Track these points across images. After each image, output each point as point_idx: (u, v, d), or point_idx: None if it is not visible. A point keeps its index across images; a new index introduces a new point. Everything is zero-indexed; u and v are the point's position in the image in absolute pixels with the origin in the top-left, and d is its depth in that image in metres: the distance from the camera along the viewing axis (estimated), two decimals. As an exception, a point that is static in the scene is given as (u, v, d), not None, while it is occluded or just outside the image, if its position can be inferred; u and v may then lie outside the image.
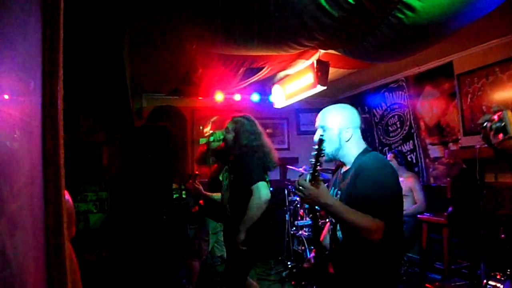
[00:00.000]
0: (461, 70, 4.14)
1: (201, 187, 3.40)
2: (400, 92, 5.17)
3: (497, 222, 3.25)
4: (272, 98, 4.98)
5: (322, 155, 1.62)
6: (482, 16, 2.33)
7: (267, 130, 6.13)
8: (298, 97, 4.30)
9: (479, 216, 3.28)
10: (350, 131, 1.75)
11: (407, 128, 5.08)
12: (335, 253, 1.77)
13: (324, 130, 1.77)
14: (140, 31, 3.05)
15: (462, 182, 3.79)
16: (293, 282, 4.28)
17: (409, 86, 4.99)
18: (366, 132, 5.78)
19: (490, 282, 2.66)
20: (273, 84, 4.75)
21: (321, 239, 1.86)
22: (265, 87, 5.08)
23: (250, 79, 4.32)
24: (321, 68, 3.58)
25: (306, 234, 4.48)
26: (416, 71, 4.79)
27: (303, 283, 4.05)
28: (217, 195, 3.19)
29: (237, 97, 5.60)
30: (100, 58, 2.59)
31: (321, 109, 1.87)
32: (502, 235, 2.85)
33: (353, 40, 2.67)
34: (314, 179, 1.61)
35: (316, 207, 1.70)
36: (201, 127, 2.95)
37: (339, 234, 1.75)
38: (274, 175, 2.83)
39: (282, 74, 4.44)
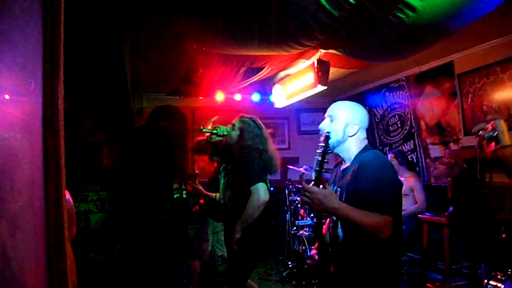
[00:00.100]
0: (462, 70, 4.13)
1: (200, 187, 3.40)
2: (400, 92, 5.16)
3: (498, 222, 3.24)
4: (272, 98, 4.98)
5: (328, 151, 1.61)
6: (482, 16, 2.33)
7: (268, 130, 6.12)
8: (299, 97, 4.30)
9: (480, 216, 3.28)
10: (356, 128, 1.76)
11: (407, 127, 5.08)
12: (335, 250, 1.77)
13: (331, 120, 1.77)
14: (140, 31, 3.05)
15: (463, 182, 3.79)
16: (293, 282, 4.28)
17: (409, 86, 4.98)
18: (367, 132, 5.75)
19: (491, 282, 2.66)
20: (274, 84, 4.75)
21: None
22: (265, 87, 5.08)
23: (250, 79, 4.32)
24: (322, 67, 3.58)
25: (307, 234, 4.47)
26: (416, 70, 4.79)
27: (303, 282, 4.05)
28: (217, 195, 3.19)
29: (238, 97, 5.59)
30: (101, 58, 2.60)
31: (321, 109, 1.88)
32: (503, 235, 2.85)
33: (354, 39, 2.67)
34: (319, 181, 1.60)
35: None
36: (201, 127, 2.93)
37: (339, 231, 1.74)
38: (275, 175, 2.82)
39: (282, 74, 4.44)
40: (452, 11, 2.17)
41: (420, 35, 2.46)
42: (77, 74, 2.64)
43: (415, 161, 4.92)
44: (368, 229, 1.54)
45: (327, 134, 1.62)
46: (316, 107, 6.35)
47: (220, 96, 5.27)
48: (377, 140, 5.69)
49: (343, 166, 1.83)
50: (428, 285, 3.43)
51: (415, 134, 4.93)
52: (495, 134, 1.28)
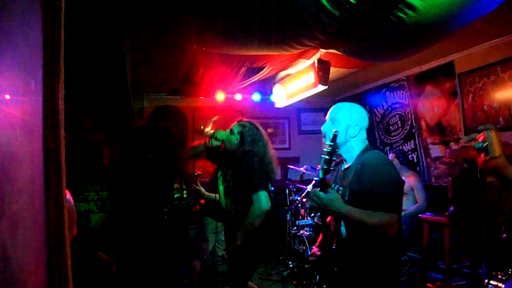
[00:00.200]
0: (462, 70, 4.13)
1: (201, 188, 3.38)
2: (401, 92, 5.16)
3: (498, 222, 3.24)
4: (273, 97, 4.98)
5: (337, 149, 1.61)
6: (482, 16, 2.33)
7: (268, 130, 6.14)
8: (299, 96, 4.30)
9: (480, 216, 3.28)
10: (357, 129, 1.79)
11: (408, 127, 5.07)
12: (338, 247, 1.79)
13: (333, 123, 1.80)
14: (141, 31, 3.05)
15: (463, 182, 3.79)
16: (294, 282, 4.28)
17: (410, 86, 4.98)
18: (367, 132, 5.75)
19: (491, 282, 2.65)
20: (274, 83, 4.75)
21: (321, 235, 1.87)
22: (266, 86, 5.08)
23: (251, 78, 4.32)
24: (322, 67, 3.58)
25: (307, 233, 4.47)
26: (417, 70, 4.79)
27: (304, 282, 4.05)
28: (217, 196, 3.17)
29: (238, 96, 5.60)
30: (101, 58, 2.60)
31: (322, 109, 1.89)
32: (504, 235, 2.84)
33: (354, 39, 2.66)
34: (325, 182, 1.61)
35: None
36: (202, 127, 2.91)
37: (342, 229, 1.76)
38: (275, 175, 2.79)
39: (283, 73, 4.44)
40: (452, 11, 2.16)
41: (420, 35, 2.46)
42: (77, 74, 2.64)
43: (415, 160, 4.92)
44: (376, 228, 1.58)
45: (336, 133, 1.62)
46: (317, 107, 6.34)
47: (220, 96, 5.27)
48: (378, 140, 5.69)
49: (345, 166, 1.85)
50: (428, 284, 3.43)
51: (416, 134, 4.93)
52: (484, 145, 1.28)
